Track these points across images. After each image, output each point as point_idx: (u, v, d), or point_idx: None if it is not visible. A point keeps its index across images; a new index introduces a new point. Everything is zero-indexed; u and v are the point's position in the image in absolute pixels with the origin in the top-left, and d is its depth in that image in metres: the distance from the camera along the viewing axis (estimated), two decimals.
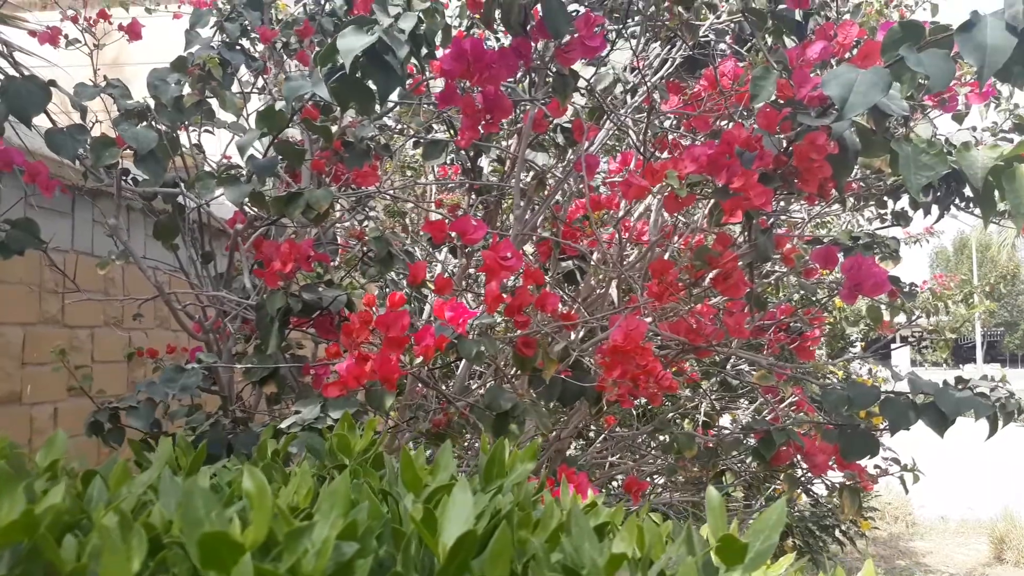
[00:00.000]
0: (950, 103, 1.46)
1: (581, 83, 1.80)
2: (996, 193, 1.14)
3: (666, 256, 2.14)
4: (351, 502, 0.59)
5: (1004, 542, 6.36)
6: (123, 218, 2.56)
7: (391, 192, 1.81)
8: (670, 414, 2.72)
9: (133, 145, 1.49)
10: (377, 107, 1.16)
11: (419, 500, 0.66)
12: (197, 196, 1.41)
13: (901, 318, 4.14)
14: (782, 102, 1.21)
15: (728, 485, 2.62)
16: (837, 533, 3.90)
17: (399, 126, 1.91)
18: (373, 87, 1.16)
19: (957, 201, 1.34)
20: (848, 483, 1.61)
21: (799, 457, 1.69)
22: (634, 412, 2.53)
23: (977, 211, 1.53)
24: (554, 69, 1.45)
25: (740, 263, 1.34)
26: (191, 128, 1.69)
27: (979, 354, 28.95)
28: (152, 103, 1.60)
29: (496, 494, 0.75)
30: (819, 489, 4.08)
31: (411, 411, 1.84)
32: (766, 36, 1.50)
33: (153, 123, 1.57)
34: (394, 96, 1.70)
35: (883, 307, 1.84)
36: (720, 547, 0.64)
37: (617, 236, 2.08)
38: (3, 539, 0.51)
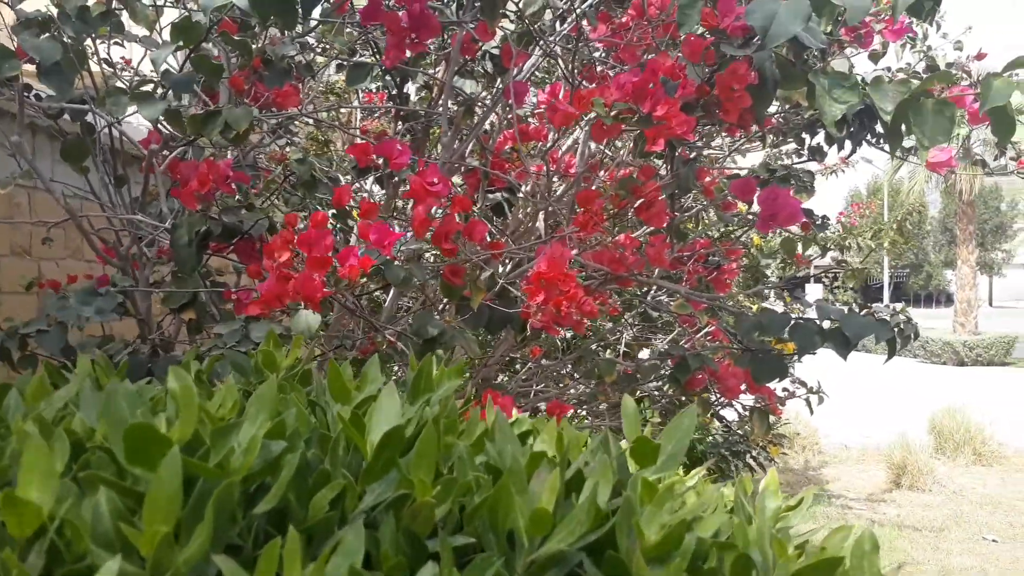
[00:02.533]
0: (866, 39, 1.51)
1: (510, 7, 1.78)
2: (903, 127, 1.19)
3: (592, 188, 2.16)
4: (278, 406, 0.60)
5: (901, 468, 6.84)
6: (27, 139, 2.42)
7: (313, 116, 1.76)
8: (593, 345, 2.79)
9: (36, 57, 1.40)
10: (300, 23, 1.12)
11: (347, 408, 0.67)
12: (109, 113, 1.34)
13: (815, 252, 4.32)
14: (707, 31, 1.22)
15: (645, 410, 2.72)
16: (748, 459, 4.11)
17: (322, 46, 1.85)
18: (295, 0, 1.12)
19: (869, 137, 1.39)
20: (758, 406, 1.70)
21: (712, 382, 1.77)
22: (558, 344, 2.58)
23: (887, 146, 1.59)
24: None
25: (662, 194, 1.37)
26: (99, 41, 1.60)
27: (886, 295, 30.47)
28: (55, 12, 1.50)
29: (424, 407, 0.77)
30: (730, 416, 4.30)
31: (338, 340, 1.83)
32: None
33: (57, 34, 1.48)
34: (316, 13, 1.64)
35: (797, 240, 1.91)
36: (634, 448, 0.68)
37: (545, 168, 2.08)
38: None
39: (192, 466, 0.51)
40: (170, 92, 1.28)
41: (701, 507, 0.68)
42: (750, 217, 2.43)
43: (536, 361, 2.56)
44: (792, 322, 1.48)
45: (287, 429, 0.57)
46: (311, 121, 2.64)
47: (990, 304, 38.63)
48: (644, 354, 3.37)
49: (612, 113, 1.21)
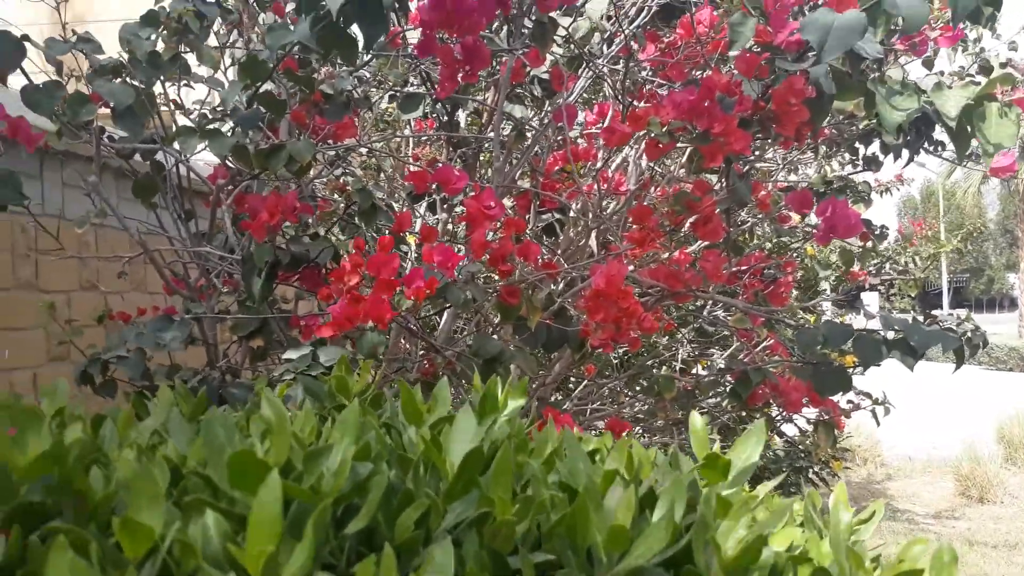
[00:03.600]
0: (920, 46, 1.49)
1: (559, 32, 1.81)
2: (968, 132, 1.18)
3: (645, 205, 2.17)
4: (361, 430, 0.62)
5: (968, 480, 6.60)
6: (106, 179, 2.53)
7: (369, 145, 1.80)
8: (648, 362, 2.78)
9: (110, 101, 1.47)
10: (362, 56, 1.16)
11: (425, 430, 0.69)
12: (179, 151, 1.40)
13: (873, 265, 4.23)
14: (759, 48, 1.23)
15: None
16: (811, 475, 4.03)
17: (377, 78, 1.90)
18: (356, 35, 1.16)
19: (926, 144, 1.38)
20: (823, 419, 1.68)
21: (774, 397, 1.76)
22: (613, 362, 2.58)
23: (945, 154, 1.57)
24: (534, 17, 1.45)
25: (717, 208, 1.37)
26: (167, 83, 1.67)
27: (945, 300, 29.61)
28: (125, 58, 1.58)
29: (491, 427, 0.79)
30: (791, 431, 4.22)
31: (398, 363, 1.86)
32: None
33: (128, 79, 1.55)
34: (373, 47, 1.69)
35: (855, 251, 1.89)
36: (704, 464, 0.69)
37: (596, 187, 2.10)
38: (35, 469, 0.53)
39: (288, 489, 0.53)
40: (237, 128, 1.33)
41: (773, 522, 0.68)
42: (807, 230, 2.41)
43: (591, 379, 2.56)
44: (855, 334, 1.46)
45: (372, 451, 0.60)
46: (365, 151, 2.70)
47: None
48: (700, 370, 3.35)
49: (667, 131, 1.22)
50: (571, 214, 2.14)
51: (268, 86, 1.67)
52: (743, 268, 1.97)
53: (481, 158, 2.57)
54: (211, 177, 1.60)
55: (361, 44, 1.20)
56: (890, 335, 1.43)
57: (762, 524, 0.65)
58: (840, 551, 0.66)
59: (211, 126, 1.34)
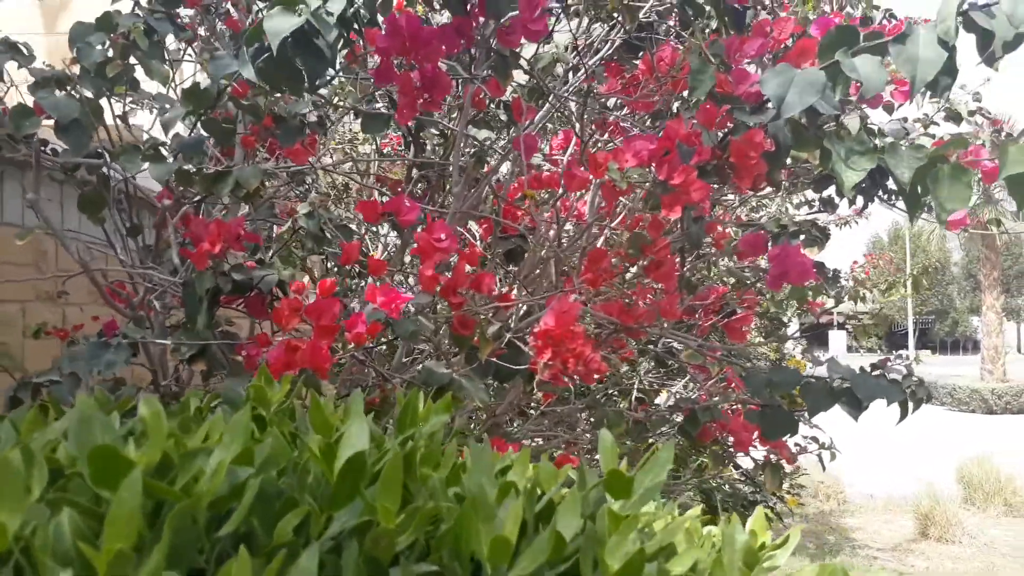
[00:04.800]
0: (875, 100, 1.50)
1: (522, 62, 1.79)
2: (920, 190, 1.18)
3: (603, 235, 2.15)
4: (251, 435, 0.61)
5: (928, 518, 6.67)
6: (56, 190, 2.46)
7: (325, 168, 1.77)
8: (610, 390, 2.76)
9: (53, 114, 1.43)
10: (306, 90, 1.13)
11: (320, 438, 0.68)
12: (123, 170, 1.36)
13: (831, 302, 4.26)
14: (721, 96, 1.22)
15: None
16: (764, 509, 4.04)
17: (335, 101, 1.87)
18: (329, 66, 1.13)
19: (881, 193, 1.38)
20: (771, 460, 1.67)
21: (723, 434, 1.75)
22: (571, 389, 2.56)
23: (900, 204, 1.58)
24: (494, 48, 1.43)
25: (671, 251, 1.36)
26: (114, 98, 1.62)
27: (911, 341, 30.12)
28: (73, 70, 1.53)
29: (407, 440, 0.78)
30: (747, 463, 4.23)
31: (347, 387, 1.83)
32: (707, 24, 1.51)
33: (74, 91, 1.50)
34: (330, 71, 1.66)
35: (808, 291, 1.89)
36: (608, 481, 0.69)
37: (556, 215, 2.08)
38: None
39: (157, 489, 0.53)
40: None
41: (666, 538, 0.67)
42: (764, 268, 2.41)
43: (548, 406, 2.54)
44: (803, 381, 1.46)
45: (255, 456, 0.58)
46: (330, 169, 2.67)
47: (1019, 351, 37.89)
48: (663, 397, 3.34)
49: (624, 178, 1.20)
50: (530, 241, 2.12)
51: (225, 103, 1.64)
52: (699, 303, 1.97)
53: (446, 181, 2.54)
54: (158, 196, 1.55)
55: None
56: (836, 384, 1.43)
57: (656, 542, 0.65)
58: (732, 571, 0.66)
59: (155, 147, 1.29)
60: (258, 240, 1.37)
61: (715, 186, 1.53)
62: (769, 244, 1.57)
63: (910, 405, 1.43)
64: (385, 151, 3.02)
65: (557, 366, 1.35)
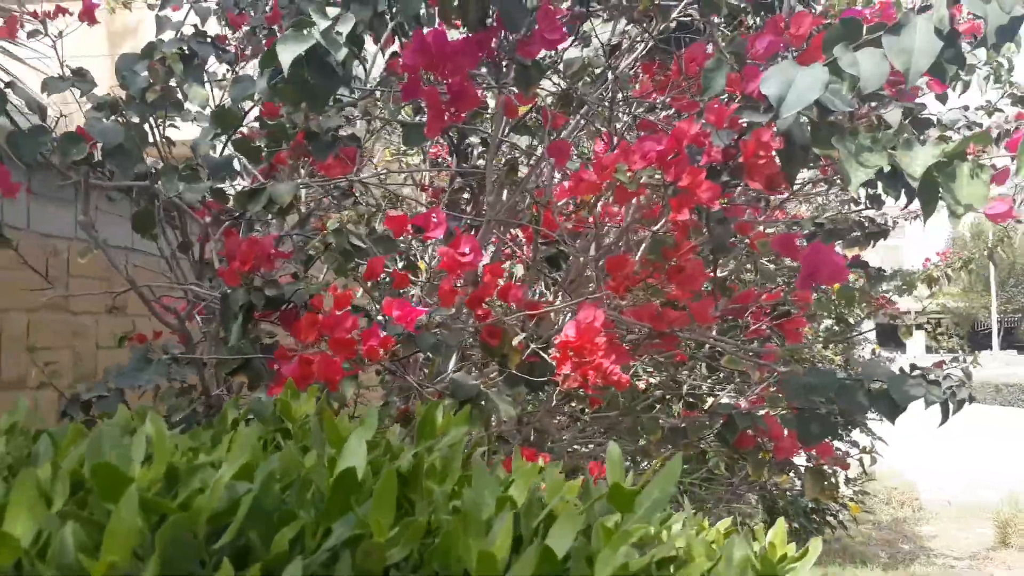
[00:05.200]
0: (910, 93, 1.45)
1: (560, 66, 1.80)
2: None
3: (646, 237, 2.14)
4: (257, 450, 0.63)
5: (1008, 526, 6.35)
6: (118, 206, 2.59)
7: (362, 180, 1.82)
8: (666, 396, 2.74)
9: (99, 140, 1.51)
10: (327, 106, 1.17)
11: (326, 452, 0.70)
12: (163, 191, 1.43)
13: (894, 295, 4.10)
14: (736, 95, 1.21)
15: (710, 462, 2.65)
16: (828, 517, 3.92)
17: (369, 116, 1.92)
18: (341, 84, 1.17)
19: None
20: (812, 466, 1.63)
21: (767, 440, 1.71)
22: (620, 395, 2.54)
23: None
24: (517, 60, 1.45)
25: (697, 254, 1.35)
26: (165, 121, 1.71)
27: (995, 340, 28.71)
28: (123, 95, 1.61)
29: (423, 452, 0.81)
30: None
31: (398, 397, 1.87)
32: (728, 21, 1.49)
33: (122, 116, 1.59)
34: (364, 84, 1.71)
35: (855, 291, 1.84)
36: (610, 494, 0.69)
37: (596, 221, 2.08)
38: None
39: (155, 504, 0.56)
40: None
41: (662, 551, 0.67)
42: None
43: (595, 412, 2.53)
44: (839, 384, 1.42)
45: (255, 472, 0.61)
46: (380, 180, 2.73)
47: None
48: (725, 400, 3.28)
49: (635, 180, 1.20)
50: (570, 247, 2.12)
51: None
52: (738, 305, 1.93)
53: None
54: (199, 213, 1.62)
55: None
56: (874, 386, 1.39)
57: (653, 554, 0.65)
58: None
59: (191, 167, 1.36)
60: (288, 257, 1.42)
61: (740, 187, 1.51)
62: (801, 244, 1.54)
63: (951, 407, 1.37)
64: (435, 160, 3.07)
65: (577, 378, 1.35)
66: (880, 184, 1.37)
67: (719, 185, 1.20)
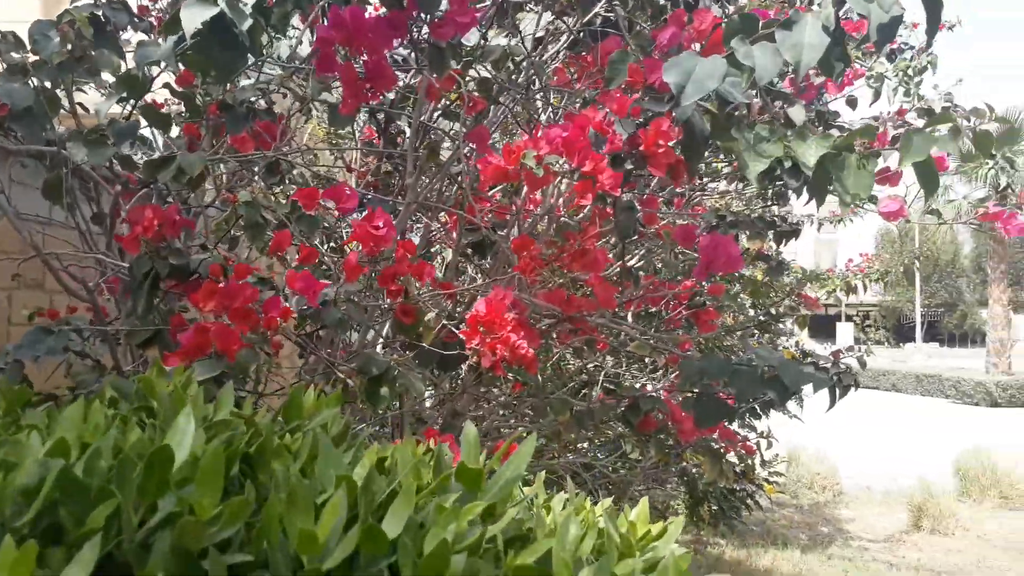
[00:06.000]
0: (808, 90, 1.52)
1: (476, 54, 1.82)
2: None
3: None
4: (83, 426, 0.63)
5: (921, 511, 6.67)
6: (34, 177, 2.52)
7: (279, 155, 1.81)
8: (589, 381, 2.79)
9: (6, 101, 1.47)
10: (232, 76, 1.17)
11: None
12: (70, 156, 1.40)
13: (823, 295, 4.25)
14: (636, 87, 1.25)
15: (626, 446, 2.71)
16: (747, 500, 4.06)
17: (298, 92, 1.90)
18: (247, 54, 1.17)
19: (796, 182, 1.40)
20: (712, 448, 1.70)
21: (669, 425, 1.77)
22: (538, 380, 2.59)
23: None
24: (431, 42, 1.46)
25: (601, 240, 1.39)
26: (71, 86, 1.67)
27: (919, 334, 29.89)
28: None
29: (288, 432, 0.83)
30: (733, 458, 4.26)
31: (309, 376, 1.87)
32: (653, 19, 1.53)
33: (33, 80, 1.55)
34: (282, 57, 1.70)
35: (762, 284, 1.91)
36: (457, 472, 0.72)
37: (516, 207, 2.11)
38: None
39: None
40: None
41: (503, 528, 0.68)
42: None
43: (517, 396, 2.57)
44: (733, 368, 1.48)
45: (70, 448, 0.60)
46: (311, 157, 2.70)
47: None
48: (651, 386, 3.36)
49: (542, 165, 1.23)
50: (492, 234, 2.15)
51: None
52: (655, 294, 1.99)
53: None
54: (113, 183, 1.60)
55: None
56: (766, 371, 1.45)
57: (481, 531, 0.66)
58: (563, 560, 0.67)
59: (98, 132, 1.34)
60: (192, 226, 1.41)
61: (655, 180, 1.56)
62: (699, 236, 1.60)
63: (837, 392, 1.45)
64: (366, 143, 3.05)
65: (485, 352, 1.38)
66: (783, 175, 1.43)
67: (621, 173, 1.23)
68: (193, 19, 1.03)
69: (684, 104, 1.10)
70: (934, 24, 1.08)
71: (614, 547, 0.80)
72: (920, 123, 2.74)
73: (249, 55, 1.10)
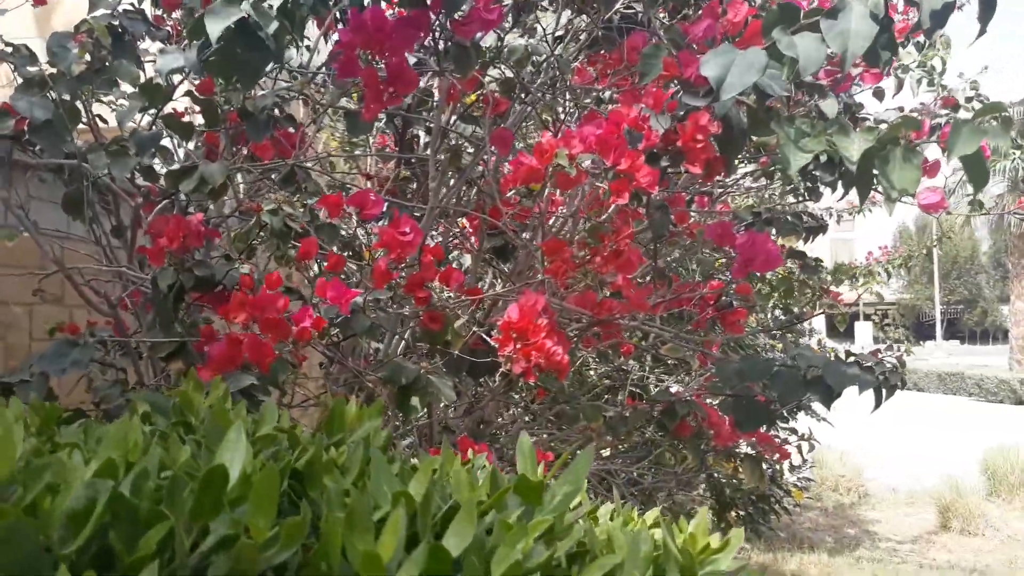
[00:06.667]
0: (845, 82, 1.47)
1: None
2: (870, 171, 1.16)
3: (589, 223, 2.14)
4: (126, 445, 0.60)
5: (949, 510, 6.56)
6: (53, 192, 2.51)
7: (299, 163, 1.78)
8: (615, 385, 2.75)
9: (26, 115, 1.45)
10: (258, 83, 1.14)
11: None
12: (91, 168, 1.38)
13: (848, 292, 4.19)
14: (671, 81, 1.21)
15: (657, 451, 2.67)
16: (774, 504, 4.00)
17: (317, 99, 1.88)
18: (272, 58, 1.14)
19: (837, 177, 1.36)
20: (751, 453, 1.65)
21: (705, 429, 1.73)
22: (564, 387, 2.55)
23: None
24: (455, 41, 1.43)
25: (633, 241, 1.35)
26: (93, 98, 1.65)
27: (939, 331, 29.61)
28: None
29: (333, 446, 0.79)
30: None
31: (335, 385, 1.84)
32: (671, 15, 1.50)
33: (51, 92, 1.53)
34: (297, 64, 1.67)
35: (795, 282, 1.87)
36: (516, 487, 0.67)
37: (541, 210, 2.07)
38: None
39: None
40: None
41: (564, 546, 0.65)
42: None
43: (542, 402, 2.53)
44: (774, 369, 1.43)
45: (118, 468, 0.57)
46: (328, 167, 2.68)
47: None
48: (674, 388, 3.31)
49: (575, 165, 1.20)
50: (515, 238, 2.11)
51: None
52: (682, 295, 1.94)
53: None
54: (133, 196, 1.57)
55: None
56: (809, 372, 1.41)
57: (552, 551, 0.63)
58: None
59: (119, 143, 1.31)
60: (217, 236, 1.38)
61: (683, 176, 1.52)
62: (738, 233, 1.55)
63: (884, 392, 1.40)
64: (380, 150, 3.03)
65: (520, 359, 1.34)
66: (817, 170, 1.38)
67: (658, 170, 1.20)
68: (218, 23, 1.00)
69: (724, 98, 1.06)
70: (989, 11, 1.04)
71: (673, 562, 0.76)
72: (942, 113, 2.69)
73: (274, 59, 1.07)
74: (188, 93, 1.36)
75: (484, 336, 1.52)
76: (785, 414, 2.65)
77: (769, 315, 4.29)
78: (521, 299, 1.41)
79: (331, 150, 3.20)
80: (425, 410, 1.85)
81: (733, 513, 4.08)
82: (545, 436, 2.56)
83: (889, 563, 5.52)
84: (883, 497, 7.75)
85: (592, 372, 2.91)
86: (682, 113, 1.23)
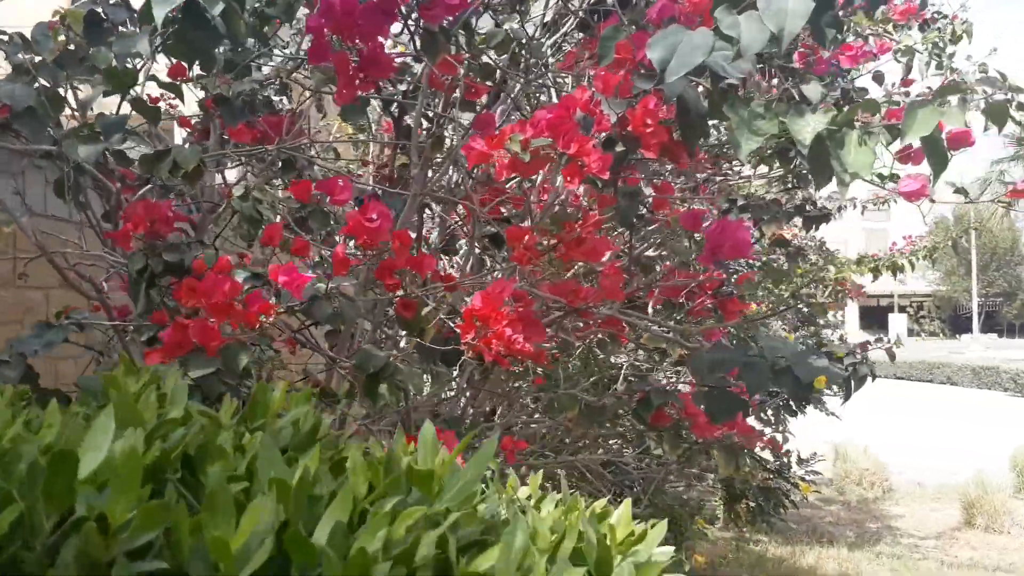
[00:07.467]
0: (818, 64, 1.44)
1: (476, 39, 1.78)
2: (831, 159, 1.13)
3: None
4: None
5: (974, 507, 6.44)
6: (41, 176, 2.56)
7: (282, 148, 1.79)
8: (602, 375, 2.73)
9: (7, 101, 1.48)
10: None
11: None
12: (66, 154, 1.41)
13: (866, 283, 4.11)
14: (626, 65, 1.19)
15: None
16: (781, 498, 3.95)
17: (305, 84, 1.89)
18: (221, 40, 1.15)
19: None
20: (725, 443, 1.63)
21: (683, 419, 1.71)
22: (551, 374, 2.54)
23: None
24: (423, 27, 1.43)
25: (599, 229, 1.34)
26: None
27: (975, 324, 28.91)
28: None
29: (251, 431, 0.80)
30: (766, 455, 4.13)
31: (307, 373, 1.85)
32: None
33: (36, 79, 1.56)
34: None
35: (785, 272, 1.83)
36: (408, 475, 0.68)
37: (527, 197, 2.06)
38: None
39: None
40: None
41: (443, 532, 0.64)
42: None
43: (537, 391, 2.52)
44: (745, 360, 1.41)
45: None
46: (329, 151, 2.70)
47: None
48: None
49: (529, 150, 1.19)
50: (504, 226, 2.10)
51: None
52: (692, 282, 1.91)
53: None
54: (112, 179, 1.60)
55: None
56: (778, 364, 1.39)
57: (429, 537, 0.62)
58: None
59: (91, 128, 1.33)
60: (186, 219, 1.40)
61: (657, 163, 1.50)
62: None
63: (852, 385, 1.37)
64: (380, 135, 3.04)
65: (480, 346, 1.34)
66: (799, 156, 1.35)
67: (610, 155, 1.18)
68: (163, 7, 1.01)
69: (669, 80, 1.04)
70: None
71: (592, 552, 0.76)
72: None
73: (227, 40, 1.08)
74: (153, 77, 1.37)
75: (451, 324, 1.52)
76: (794, 407, 2.62)
77: (780, 306, 4.23)
78: (490, 287, 1.41)
79: (343, 136, 3.23)
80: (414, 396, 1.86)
81: (743, 505, 4.05)
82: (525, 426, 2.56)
83: (909, 559, 5.44)
84: (908, 492, 7.63)
85: (602, 361, 2.89)
86: (634, 97, 1.21)
